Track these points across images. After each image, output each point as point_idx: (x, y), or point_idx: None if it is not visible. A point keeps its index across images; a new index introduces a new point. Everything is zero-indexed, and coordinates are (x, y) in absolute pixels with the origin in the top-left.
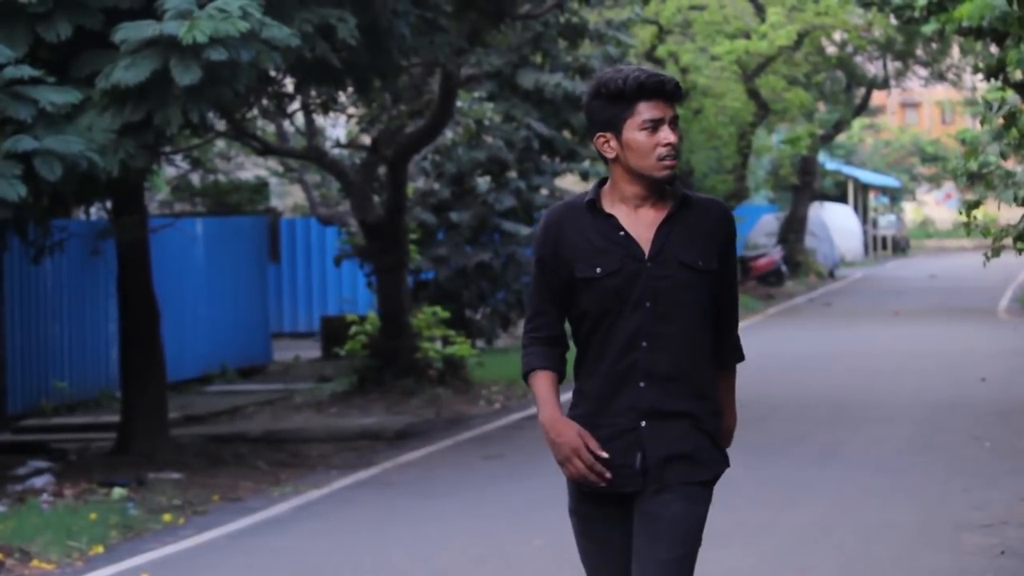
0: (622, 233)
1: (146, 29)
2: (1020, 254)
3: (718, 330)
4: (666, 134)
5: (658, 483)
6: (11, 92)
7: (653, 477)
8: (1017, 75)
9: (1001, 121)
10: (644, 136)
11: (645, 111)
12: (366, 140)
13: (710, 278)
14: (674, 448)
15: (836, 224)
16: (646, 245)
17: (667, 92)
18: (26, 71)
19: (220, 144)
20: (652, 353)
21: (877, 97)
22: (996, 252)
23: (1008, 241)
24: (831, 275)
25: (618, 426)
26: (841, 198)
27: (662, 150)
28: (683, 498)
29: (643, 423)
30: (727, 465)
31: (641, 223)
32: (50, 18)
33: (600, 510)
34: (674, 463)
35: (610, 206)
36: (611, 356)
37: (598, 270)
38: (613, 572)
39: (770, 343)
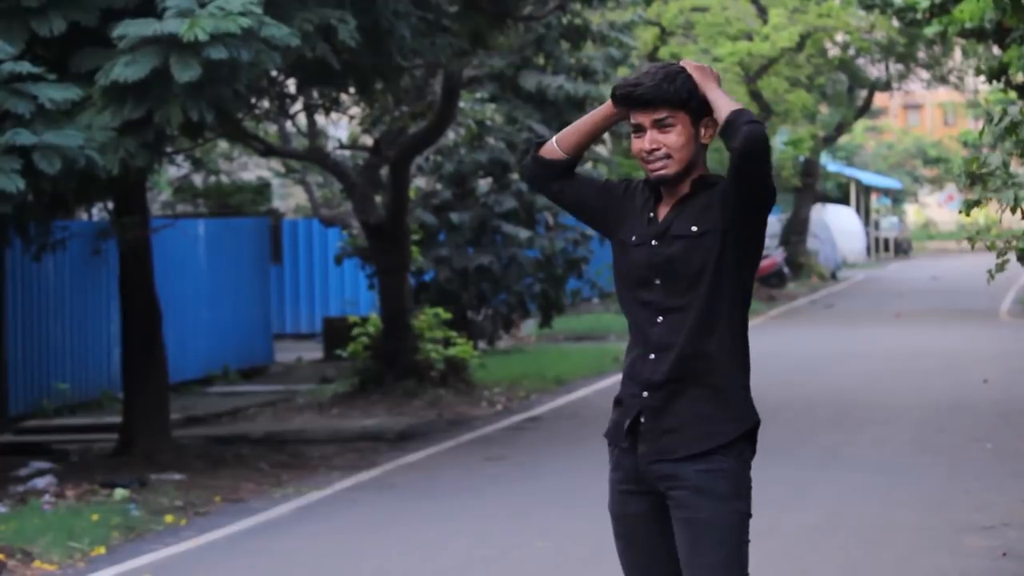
0: (651, 214)
1: (146, 27)
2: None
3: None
4: (642, 140)
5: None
6: (10, 88)
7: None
8: (1018, 77)
9: (1003, 130)
10: (633, 140)
11: (631, 117)
12: (368, 141)
13: (712, 241)
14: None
15: (838, 226)
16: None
17: (634, 99)
18: (25, 67)
19: (223, 145)
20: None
21: (879, 99)
22: (1001, 267)
23: (1012, 254)
24: (833, 277)
25: (630, 391)
26: (843, 200)
27: (643, 154)
28: (706, 498)
29: (645, 393)
30: (742, 428)
31: (665, 208)
32: (44, 13)
33: (629, 509)
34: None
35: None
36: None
37: (633, 238)
38: (642, 573)
39: (772, 344)
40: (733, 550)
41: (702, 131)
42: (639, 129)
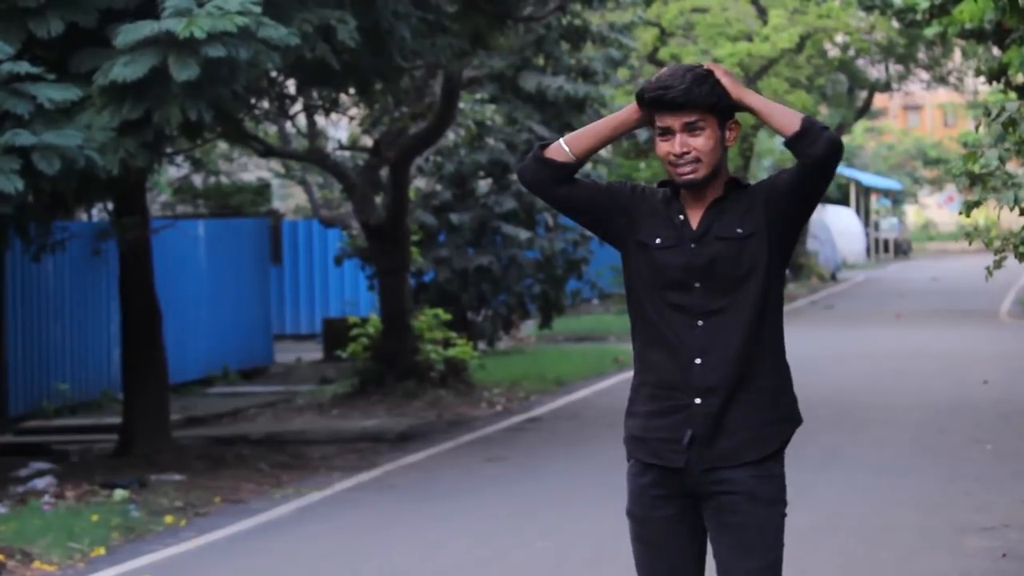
0: (681, 216)
1: (144, 28)
2: (1022, 261)
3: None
4: (671, 143)
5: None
6: (9, 88)
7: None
8: (1018, 78)
9: (1000, 127)
10: (660, 144)
11: (658, 120)
12: (368, 142)
13: (758, 243)
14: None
15: (838, 227)
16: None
17: (666, 103)
18: (24, 67)
19: (223, 145)
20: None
21: (879, 100)
22: (999, 264)
23: (1010, 252)
24: (833, 277)
25: (674, 400)
26: (843, 201)
27: (672, 157)
28: (759, 504)
29: (698, 400)
30: (791, 429)
31: (695, 210)
32: (42, 14)
33: (657, 512)
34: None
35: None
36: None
37: (657, 240)
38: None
39: None
40: (777, 556)
41: (727, 134)
42: (667, 132)
